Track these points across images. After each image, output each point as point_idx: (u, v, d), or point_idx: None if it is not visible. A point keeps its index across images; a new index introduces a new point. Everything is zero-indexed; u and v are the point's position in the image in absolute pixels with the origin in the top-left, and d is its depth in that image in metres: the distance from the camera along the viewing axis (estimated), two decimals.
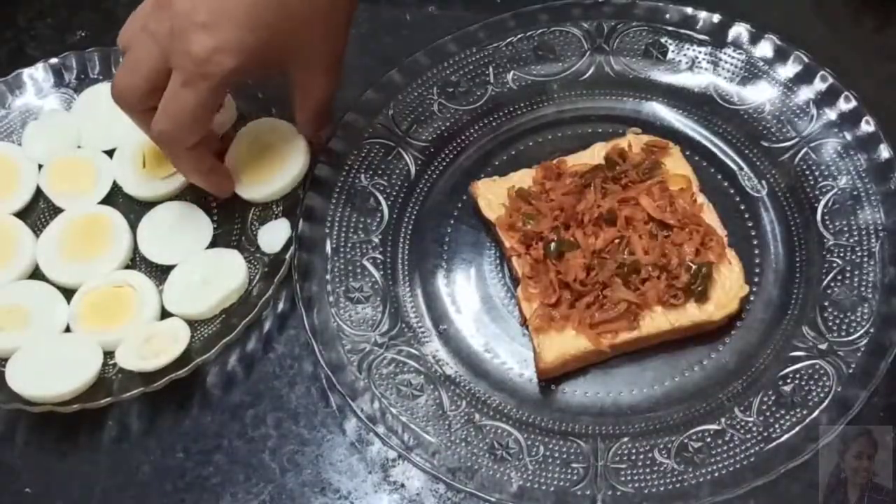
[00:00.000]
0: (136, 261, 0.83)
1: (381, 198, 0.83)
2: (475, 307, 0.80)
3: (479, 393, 0.75)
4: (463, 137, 0.86)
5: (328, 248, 0.80)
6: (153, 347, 0.75)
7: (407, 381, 0.75)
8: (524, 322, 0.77)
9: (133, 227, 0.84)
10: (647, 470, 0.70)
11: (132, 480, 0.75)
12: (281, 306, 0.81)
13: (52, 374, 0.75)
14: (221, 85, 0.72)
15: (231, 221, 0.84)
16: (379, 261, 0.81)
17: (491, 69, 0.88)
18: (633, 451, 0.71)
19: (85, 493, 0.75)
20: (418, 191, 0.84)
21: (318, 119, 0.81)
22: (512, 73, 0.88)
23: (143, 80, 0.74)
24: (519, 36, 0.88)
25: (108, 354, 0.77)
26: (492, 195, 0.81)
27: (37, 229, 0.85)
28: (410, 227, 0.83)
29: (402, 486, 0.74)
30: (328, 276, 0.79)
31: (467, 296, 0.80)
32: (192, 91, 0.72)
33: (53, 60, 0.91)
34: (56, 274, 0.81)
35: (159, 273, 0.82)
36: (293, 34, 0.73)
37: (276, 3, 0.71)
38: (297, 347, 0.79)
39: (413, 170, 0.85)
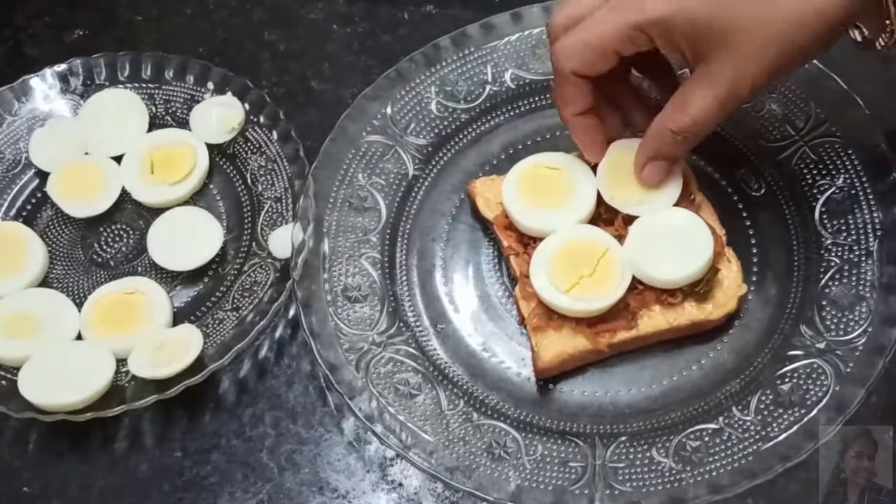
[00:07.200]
0: (147, 267, 0.83)
1: (378, 197, 0.83)
2: (473, 306, 0.79)
3: (477, 392, 0.75)
4: (461, 137, 0.86)
5: (326, 248, 0.80)
6: (166, 355, 0.75)
7: (405, 381, 0.75)
8: (522, 321, 0.77)
9: (143, 234, 0.84)
10: (645, 469, 0.70)
11: (130, 480, 0.75)
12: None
13: (65, 382, 0.74)
14: (635, 27, 0.67)
15: (241, 226, 0.84)
16: (377, 260, 0.81)
17: (489, 68, 0.87)
18: (631, 450, 0.71)
19: (83, 492, 0.75)
20: (416, 190, 0.84)
21: (661, 139, 0.71)
22: (510, 72, 0.88)
23: None
24: (517, 35, 0.88)
25: (121, 362, 0.77)
26: (490, 194, 0.81)
27: (45, 237, 0.85)
28: (408, 226, 0.83)
29: (400, 485, 0.74)
30: (326, 276, 0.79)
31: (465, 295, 0.80)
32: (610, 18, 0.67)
33: (60, 67, 0.90)
34: None
35: (170, 279, 0.82)
36: (729, 18, 0.64)
37: None
38: (294, 346, 0.79)
39: (411, 169, 0.85)
